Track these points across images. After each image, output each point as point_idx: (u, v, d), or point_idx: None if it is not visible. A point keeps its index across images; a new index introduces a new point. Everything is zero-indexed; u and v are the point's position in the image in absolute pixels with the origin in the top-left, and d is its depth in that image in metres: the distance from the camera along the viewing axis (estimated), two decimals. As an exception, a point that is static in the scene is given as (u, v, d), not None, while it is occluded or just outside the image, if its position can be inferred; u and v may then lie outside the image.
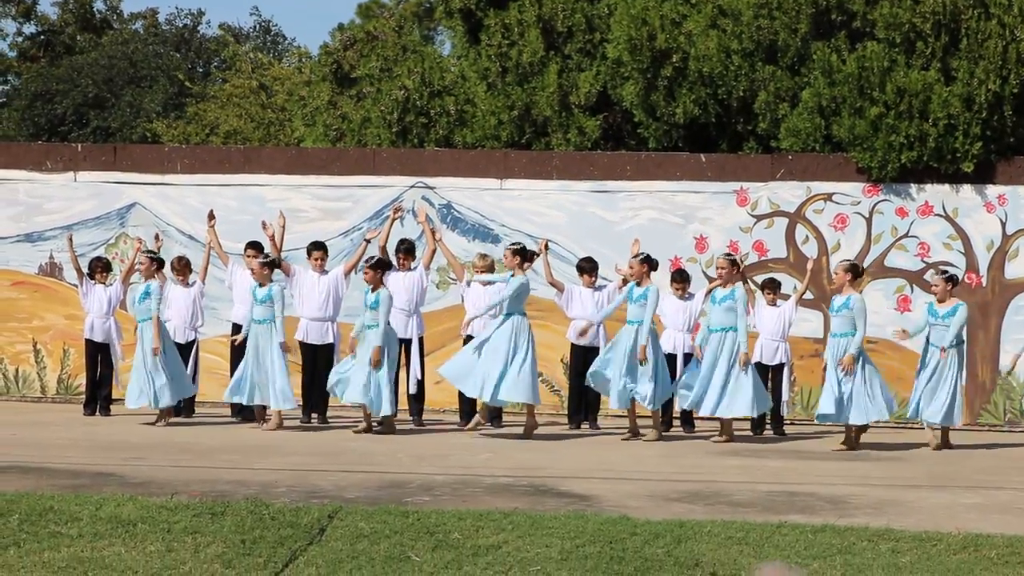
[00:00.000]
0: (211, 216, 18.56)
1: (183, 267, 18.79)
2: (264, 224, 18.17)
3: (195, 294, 18.70)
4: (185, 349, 18.55)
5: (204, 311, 18.81)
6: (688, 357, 17.92)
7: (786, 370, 18.34)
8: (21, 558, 9.60)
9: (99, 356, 18.76)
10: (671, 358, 17.90)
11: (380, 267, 17.20)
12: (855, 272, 17.17)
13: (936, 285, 17.29)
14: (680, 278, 18.28)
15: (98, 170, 20.87)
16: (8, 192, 20.96)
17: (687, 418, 18.24)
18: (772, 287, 18.35)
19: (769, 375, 18.12)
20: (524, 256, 17.17)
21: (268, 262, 17.53)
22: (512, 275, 17.04)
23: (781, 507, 12.01)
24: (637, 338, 16.93)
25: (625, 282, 17.51)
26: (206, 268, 18.88)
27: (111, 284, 18.85)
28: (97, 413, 18.63)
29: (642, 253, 17.32)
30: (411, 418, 18.09)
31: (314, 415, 18.12)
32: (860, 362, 16.77)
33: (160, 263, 18.18)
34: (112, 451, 14.78)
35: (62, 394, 20.72)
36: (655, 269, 17.39)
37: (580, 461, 15.04)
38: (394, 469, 13.87)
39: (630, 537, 10.38)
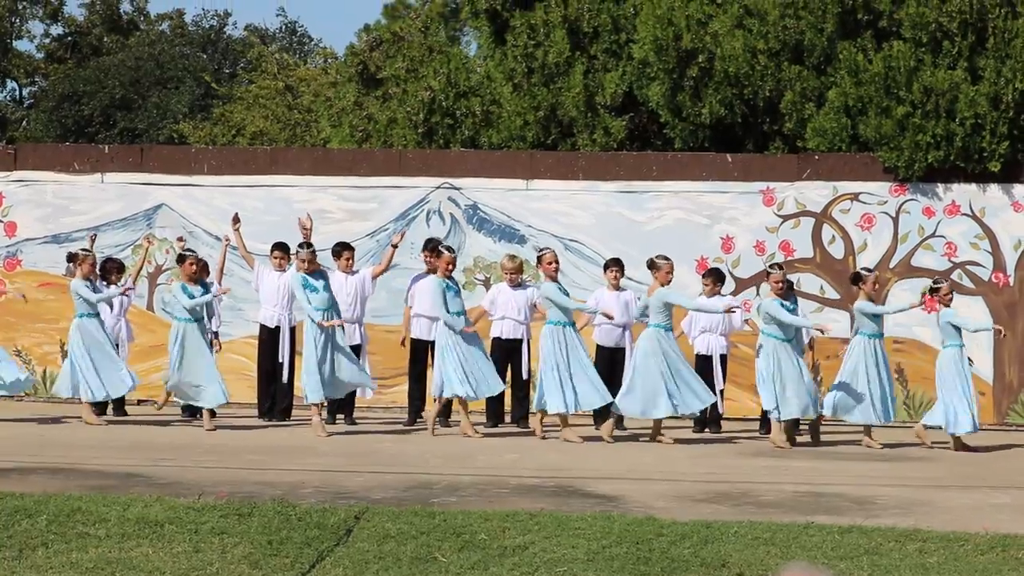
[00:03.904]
0: (236, 219, 18.48)
1: (200, 269, 18.70)
2: (301, 220, 17.83)
3: (211, 296, 18.59)
4: None
5: (221, 313, 18.76)
6: (724, 359, 17.92)
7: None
8: (49, 559, 9.63)
9: None
10: (706, 360, 17.85)
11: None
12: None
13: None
14: (714, 277, 18.17)
15: (125, 171, 20.88)
16: (36, 193, 20.99)
17: (715, 418, 18.16)
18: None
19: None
20: None
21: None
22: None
23: (808, 507, 11.99)
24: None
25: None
26: (221, 269, 18.81)
27: (123, 284, 18.69)
28: (110, 414, 18.44)
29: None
30: (437, 419, 18.09)
31: (340, 416, 18.13)
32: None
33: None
34: (139, 452, 14.82)
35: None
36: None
37: (606, 462, 15.03)
38: (421, 470, 13.88)
39: (657, 538, 10.38)
